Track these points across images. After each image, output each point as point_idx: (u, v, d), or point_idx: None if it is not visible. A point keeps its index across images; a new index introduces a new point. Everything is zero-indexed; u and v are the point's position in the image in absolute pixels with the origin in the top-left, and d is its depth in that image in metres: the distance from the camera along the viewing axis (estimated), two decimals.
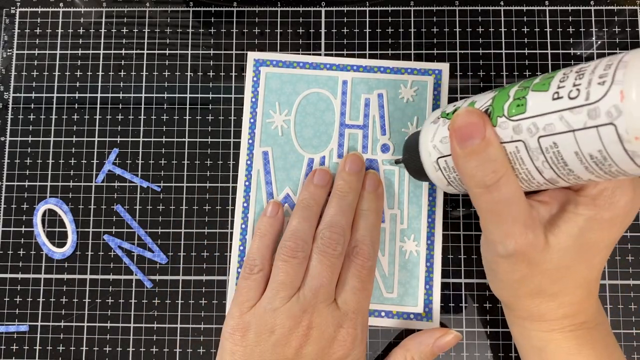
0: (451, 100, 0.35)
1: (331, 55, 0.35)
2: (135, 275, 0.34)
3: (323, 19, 0.36)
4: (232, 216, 0.34)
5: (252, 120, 0.34)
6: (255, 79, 0.35)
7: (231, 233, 0.34)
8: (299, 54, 0.35)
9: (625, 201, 0.23)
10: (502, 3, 0.36)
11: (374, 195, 0.32)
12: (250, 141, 0.34)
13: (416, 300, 0.32)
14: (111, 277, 0.34)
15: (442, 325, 0.33)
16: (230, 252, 0.34)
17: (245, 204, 0.34)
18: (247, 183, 0.34)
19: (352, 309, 0.29)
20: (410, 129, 0.34)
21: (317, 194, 0.32)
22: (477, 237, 0.34)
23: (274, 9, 0.36)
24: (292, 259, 0.29)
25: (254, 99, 0.34)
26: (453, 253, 0.34)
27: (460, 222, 0.34)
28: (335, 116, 0.34)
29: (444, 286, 0.33)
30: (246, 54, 0.36)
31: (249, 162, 0.34)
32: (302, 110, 0.34)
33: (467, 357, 0.33)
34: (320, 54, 0.35)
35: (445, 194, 0.34)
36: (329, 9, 0.36)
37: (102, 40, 0.36)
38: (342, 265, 0.30)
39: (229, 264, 0.34)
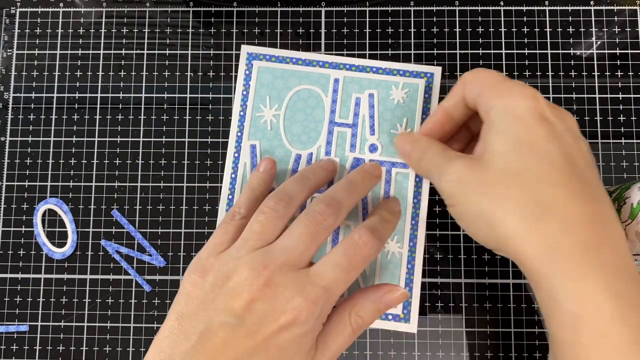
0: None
1: (331, 55, 0.35)
2: (135, 278, 0.34)
3: (323, 19, 0.36)
4: None
5: (242, 113, 0.34)
6: (247, 72, 0.34)
7: None
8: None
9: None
10: (502, 3, 0.36)
11: (394, 214, 0.31)
12: (239, 134, 0.34)
13: None
14: (111, 277, 0.34)
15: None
16: None
17: (230, 196, 0.33)
18: (233, 175, 0.33)
19: (324, 285, 0.25)
20: (399, 130, 0.33)
21: (318, 172, 0.30)
22: None
23: (274, 9, 0.36)
24: (272, 211, 0.27)
25: (245, 92, 0.34)
26: (453, 253, 0.34)
27: None
28: (325, 113, 0.34)
29: (444, 286, 0.33)
30: (240, 46, 0.35)
31: (236, 155, 0.34)
32: (292, 106, 0.34)
33: (467, 357, 0.33)
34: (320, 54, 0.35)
35: (431, 192, 0.34)
36: (329, 9, 0.36)
37: (102, 40, 0.36)
38: (331, 240, 0.28)
39: None
